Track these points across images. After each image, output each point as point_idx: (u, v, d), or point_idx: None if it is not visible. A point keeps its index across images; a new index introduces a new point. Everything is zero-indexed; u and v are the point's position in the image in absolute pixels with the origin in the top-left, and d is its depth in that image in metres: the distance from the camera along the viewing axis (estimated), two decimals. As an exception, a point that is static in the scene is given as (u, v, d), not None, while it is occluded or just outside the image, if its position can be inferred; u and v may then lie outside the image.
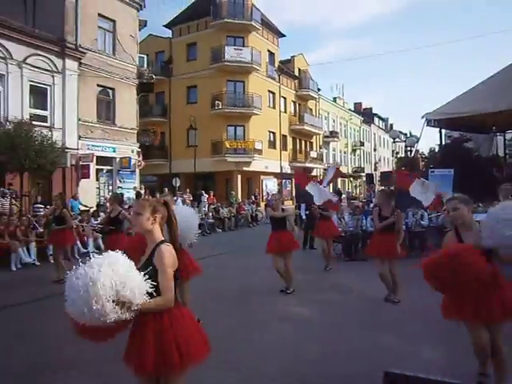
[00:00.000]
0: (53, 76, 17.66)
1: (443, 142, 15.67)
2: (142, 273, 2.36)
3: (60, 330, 5.37)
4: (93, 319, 2.17)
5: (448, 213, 3.60)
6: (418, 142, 16.01)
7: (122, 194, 10.33)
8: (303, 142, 38.32)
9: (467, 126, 14.69)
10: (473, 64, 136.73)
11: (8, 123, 14.24)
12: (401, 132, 44.30)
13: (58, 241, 8.63)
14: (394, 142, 31.55)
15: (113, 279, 2.18)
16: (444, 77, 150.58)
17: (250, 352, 4.55)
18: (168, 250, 2.48)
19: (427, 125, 13.70)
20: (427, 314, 5.39)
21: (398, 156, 43.23)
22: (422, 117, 13.34)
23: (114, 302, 2.18)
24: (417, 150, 18.04)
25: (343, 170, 47.71)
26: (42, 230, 11.09)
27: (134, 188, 19.28)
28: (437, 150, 21.42)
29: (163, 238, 2.59)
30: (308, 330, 5.24)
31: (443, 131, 15.50)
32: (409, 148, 17.61)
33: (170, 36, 32.38)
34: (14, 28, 16.08)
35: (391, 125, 65.93)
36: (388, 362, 4.23)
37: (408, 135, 17.13)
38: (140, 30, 23.10)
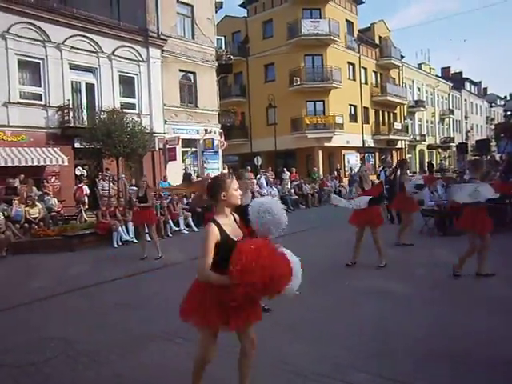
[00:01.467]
0: (138, 65, 18.63)
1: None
2: None
3: (158, 302, 5.76)
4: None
5: None
6: (520, 104, 14.43)
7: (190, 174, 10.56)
8: (386, 114, 36.54)
9: None
10: None
11: (102, 113, 15.35)
12: (498, 96, 40.29)
13: (141, 220, 9.13)
14: (491, 106, 28.79)
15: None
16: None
17: (352, 328, 4.47)
18: None
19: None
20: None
21: (495, 122, 39.59)
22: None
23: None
24: (517, 115, 16.31)
25: (431, 140, 44.92)
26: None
27: (184, 169, 19.66)
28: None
29: None
30: (408, 306, 5.03)
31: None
32: (509, 112, 15.92)
33: (246, 15, 32.34)
34: (102, 23, 17.16)
35: (485, 89, 60.32)
36: (488, 339, 3.96)
37: (507, 98, 15.38)
38: (216, 11, 23.37)
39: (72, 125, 15.68)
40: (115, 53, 17.70)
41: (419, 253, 8.02)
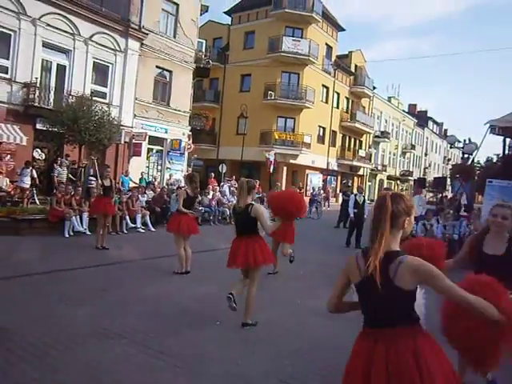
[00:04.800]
0: (115, 54, 18.21)
1: (506, 152, 14.84)
2: None
3: (106, 298, 5.56)
4: None
5: (494, 217, 3.17)
6: (477, 149, 15.23)
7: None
8: (352, 140, 37.58)
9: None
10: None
11: (71, 97, 14.83)
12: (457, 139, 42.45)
13: (101, 210, 9.00)
14: (451, 147, 30.16)
15: None
16: (509, 84, 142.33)
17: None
18: None
19: (490, 132, 12.99)
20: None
21: (451, 163, 41.56)
22: (486, 123, 12.64)
23: None
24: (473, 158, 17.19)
25: (391, 172, 46.55)
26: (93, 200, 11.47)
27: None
28: (495, 160, 20.29)
29: None
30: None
31: (507, 140, 14.66)
32: (466, 155, 16.74)
33: (229, 23, 32.49)
34: (83, 5, 16.67)
35: (445, 130, 63.38)
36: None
37: (467, 142, 16.28)
38: (201, 14, 23.29)
39: (37, 104, 15.02)
40: (93, 38, 17.21)
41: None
